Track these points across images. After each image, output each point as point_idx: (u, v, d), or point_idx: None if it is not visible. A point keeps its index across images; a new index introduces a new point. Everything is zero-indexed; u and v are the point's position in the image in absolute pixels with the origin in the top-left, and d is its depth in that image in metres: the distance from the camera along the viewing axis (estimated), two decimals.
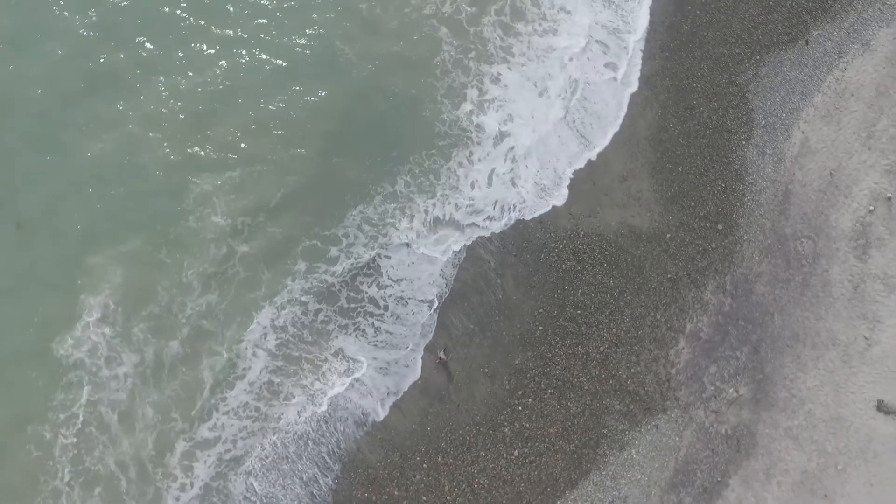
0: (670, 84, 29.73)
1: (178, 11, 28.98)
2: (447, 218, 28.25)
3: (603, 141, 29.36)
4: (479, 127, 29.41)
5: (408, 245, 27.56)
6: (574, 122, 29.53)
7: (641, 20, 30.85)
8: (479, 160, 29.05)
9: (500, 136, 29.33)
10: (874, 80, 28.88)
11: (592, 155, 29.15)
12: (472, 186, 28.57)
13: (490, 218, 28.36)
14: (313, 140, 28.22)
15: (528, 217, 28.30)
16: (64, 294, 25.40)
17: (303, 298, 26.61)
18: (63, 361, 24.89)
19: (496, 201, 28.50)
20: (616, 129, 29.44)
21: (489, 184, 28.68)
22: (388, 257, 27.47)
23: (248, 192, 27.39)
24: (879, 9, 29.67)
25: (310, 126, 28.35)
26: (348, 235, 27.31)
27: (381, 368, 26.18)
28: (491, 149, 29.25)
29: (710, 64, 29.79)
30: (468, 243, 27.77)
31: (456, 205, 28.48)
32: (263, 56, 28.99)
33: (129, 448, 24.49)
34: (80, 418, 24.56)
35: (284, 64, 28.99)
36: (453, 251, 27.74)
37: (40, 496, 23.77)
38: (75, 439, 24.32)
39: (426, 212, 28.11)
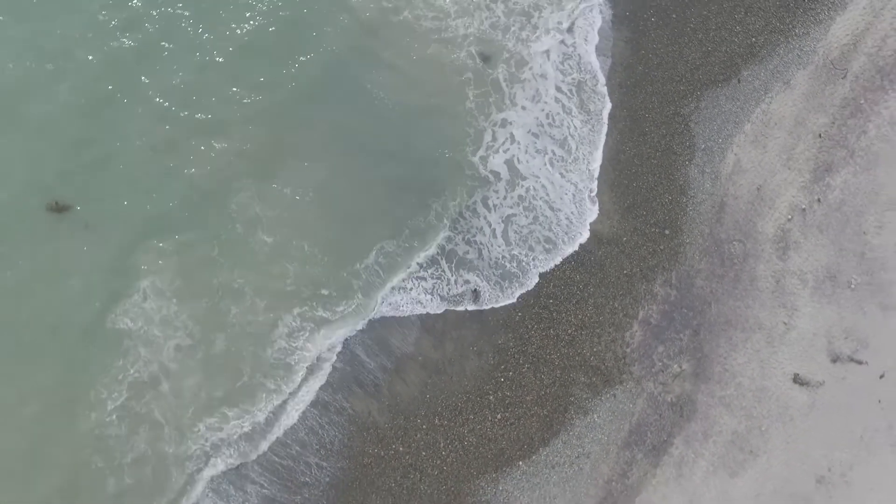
0: (627, 114, 31.49)
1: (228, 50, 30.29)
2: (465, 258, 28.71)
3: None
4: (495, 173, 29.51)
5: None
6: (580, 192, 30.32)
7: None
8: (496, 207, 29.22)
9: (512, 184, 29.64)
10: (793, 112, 31.07)
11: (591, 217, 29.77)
12: (493, 237, 28.70)
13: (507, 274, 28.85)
14: (351, 173, 29.13)
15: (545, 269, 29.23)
16: (123, 278, 26.93)
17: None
18: (120, 332, 26.28)
19: (514, 256, 28.93)
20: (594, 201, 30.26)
21: (506, 240, 28.85)
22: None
23: (287, 209, 28.42)
24: (798, 54, 32.03)
25: (348, 160, 29.18)
26: (367, 268, 28.57)
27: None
28: (505, 195, 29.32)
29: (659, 98, 31.57)
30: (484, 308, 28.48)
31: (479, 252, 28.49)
32: (305, 90, 30.13)
33: (173, 402, 25.95)
34: (134, 377, 25.83)
35: (319, 94, 30.14)
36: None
37: (89, 440, 25.36)
38: (127, 393, 25.76)
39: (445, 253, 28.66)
